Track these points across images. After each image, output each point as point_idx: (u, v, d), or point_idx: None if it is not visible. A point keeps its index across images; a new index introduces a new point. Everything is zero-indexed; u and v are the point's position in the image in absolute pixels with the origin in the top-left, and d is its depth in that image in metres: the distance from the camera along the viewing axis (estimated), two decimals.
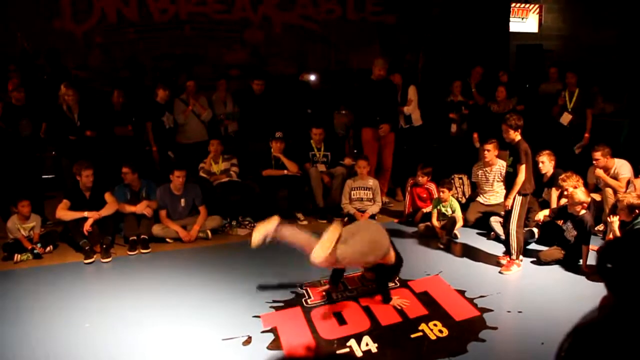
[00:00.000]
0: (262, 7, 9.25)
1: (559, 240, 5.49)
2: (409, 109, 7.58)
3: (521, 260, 5.33)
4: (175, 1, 8.74)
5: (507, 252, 5.36)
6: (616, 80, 10.60)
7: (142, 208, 6.16)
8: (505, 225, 5.33)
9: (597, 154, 6.17)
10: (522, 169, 5.04)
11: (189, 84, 7.55)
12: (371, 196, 6.67)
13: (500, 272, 5.23)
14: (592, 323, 0.97)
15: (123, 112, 7.17)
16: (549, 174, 6.22)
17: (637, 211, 4.96)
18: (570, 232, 5.33)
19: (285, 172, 7.01)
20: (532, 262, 5.46)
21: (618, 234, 5.03)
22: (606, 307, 1.04)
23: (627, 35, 11.63)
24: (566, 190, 5.61)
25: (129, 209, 6.14)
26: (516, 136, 5.09)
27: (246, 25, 9.20)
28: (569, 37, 11.59)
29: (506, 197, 5.27)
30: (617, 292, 1.03)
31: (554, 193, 6.05)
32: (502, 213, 5.60)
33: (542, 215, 5.73)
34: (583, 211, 5.21)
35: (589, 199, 5.29)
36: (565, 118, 7.42)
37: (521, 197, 5.13)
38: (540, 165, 6.19)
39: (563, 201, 5.80)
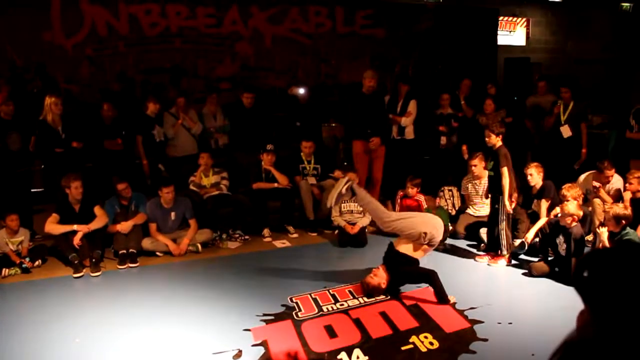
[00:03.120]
0: (252, 21, 9.29)
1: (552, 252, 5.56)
2: (407, 120, 7.62)
3: (509, 261, 5.67)
4: (166, 15, 8.76)
5: (495, 251, 5.72)
6: (603, 92, 10.76)
7: (127, 227, 6.12)
8: (492, 225, 5.69)
9: (611, 172, 6.37)
10: (505, 171, 5.44)
11: (179, 100, 7.54)
12: (361, 208, 6.69)
13: (488, 264, 5.68)
14: (582, 339, 0.98)
15: (113, 126, 7.15)
16: (537, 186, 6.27)
17: (623, 222, 5.04)
18: (562, 245, 5.38)
19: (276, 185, 7.02)
20: (522, 273, 5.48)
21: (607, 244, 5.08)
22: (587, 323, 1.04)
23: (611, 48, 11.83)
24: (567, 199, 5.63)
25: (113, 229, 6.11)
26: (497, 142, 5.50)
27: (236, 39, 9.24)
28: (556, 50, 11.74)
29: (494, 202, 5.60)
30: (594, 306, 1.04)
31: (544, 204, 6.09)
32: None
33: (531, 234, 5.74)
34: (574, 224, 5.25)
35: (581, 213, 5.34)
36: (566, 131, 7.47)
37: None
38: (529, 177, 6.23)
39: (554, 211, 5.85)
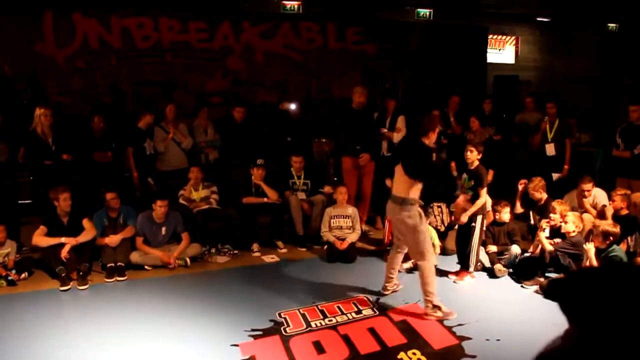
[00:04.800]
0: (244, 36, 9.36)
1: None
2: (398, 137, 7.66)
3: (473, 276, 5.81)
4: (158, 29, 8.81)
5: (465, 266, 5.79)
6: (591, 110, 10.91)
7: (116, 241, 6.09)
8: (464, 241, 5.76)
9: (589, 185, 6.45)
10: (484, 192, 5.57)
11: (169, 108, 7.51)
12: (350, 224, 6.70)
13: (454, 282, 5.73)
14: (555, 351, 1.00)
15: (103, 138, 7.14)
16: (542, 201, 6.36)
17: (611, 238, 5.10)
18: (565, 259, 5.46)
19: (266, 199, 7.02)
20: (511, 289, 5.52)
21: (594, 261, 5.13)
22: (568, 335, 1.06)
23: (598, 67, 12.02)
24: (565, 221, 5.71)
25: (102, 242, 6.08)
26: (476, 160, 5.60)
27: (228, 54, 9.29)
28: (544, 68, 11.90)
29: (470, 221, 5.65)
30: (574, 321, 1.06)
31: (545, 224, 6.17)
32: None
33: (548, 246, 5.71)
34: (573, 234, 5.48)
35: (581, 225, 5.61)
36: (550, 149, 7.55)
37: (481, 216, 5.66)
38: (532, 195, 6.39)
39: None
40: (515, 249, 5.98)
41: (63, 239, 5.79)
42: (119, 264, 5.92)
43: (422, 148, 4.84)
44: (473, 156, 5.61)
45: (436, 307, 4.80)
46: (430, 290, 4.81)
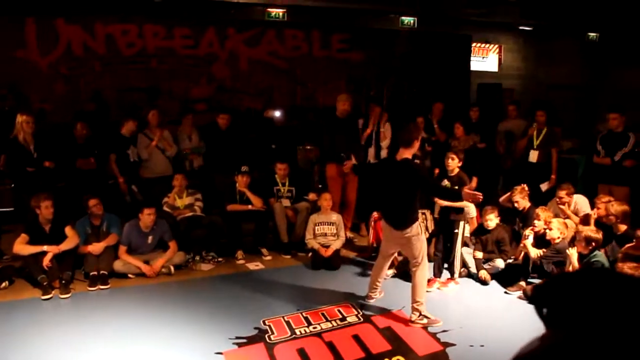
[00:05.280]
0: (228, 43, 9.36)
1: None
2: (384, 144, 7.69)
3: (457, 283, 5.85)
4: (143, 35, 8.78)
5: (450, 273, 5.84)
6: (573, 117, 11.05)
7: (99, 249, 6.04)
8: (449, 247, 5.80)
9: (563, 193, 6.48)
10: None
11: (151, 114, 7.46)
12: (335, 231, 6.71)
13: (438, 289, 5.71)
14: (531, 353, 1.01)
15: (86, 145, 7.10)
16: (525, 210, 6.40)
17: (593, 244, 5.17)
18: (549, 265, 5.51)
19: (250, 207, 7.01)
20: (495, 295, 5.56)
21: (576, 265, 5.18)
22: (545, 338, 1.08)
23: (580, 75, 12.20)
24: (549, 228, 5.75)
25: (84, 250, 6.02)
26: (457, 168, 5.63)
27: (213, 61, 9.28)
28: (527, 76, 12.05)
29: (454, 227, 5.72)
30: (550, 324, 1.07)
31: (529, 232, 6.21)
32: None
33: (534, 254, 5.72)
34: (558, 240, 5.54)
35: (566, 231, 5.67)
36: (533, 156, 7.61)
37: (463, 222, 5.77)
38: (516, 204, 6.39)
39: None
40: (499, 263, 6.00)
41: (45, 247, 5.72)
42: (101, 272, 5.87)
43: (417, 170, 4.85)
44: (454, 164, 5.67)
45: (423, 316, 4.82)
46: (420, 300, 4.84)
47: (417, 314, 4.82)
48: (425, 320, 4.81)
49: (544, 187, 7.49)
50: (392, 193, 4.85)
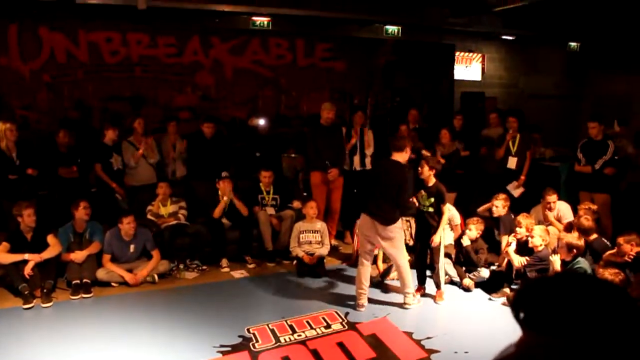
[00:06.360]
0: (213, 52, 9.34)
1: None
2: (368, 151, 7.71)
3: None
4: (127, 43, 8.74)
5: (436, 285, 5.76)
6: (555, 126, 11.18)
7: (81, 257, 5.98)
8: (432, 259, 5.78)
9: (553, 197, 6.57)
10: (446, 208, 5.62)
11: (137, 122, 7.43)
12: (320, 239, 6.71)
13: (435, 302, 5.65)
14: (506, 359, 1.02)
15: (68, 153, 7.04)
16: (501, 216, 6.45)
17: (574, 251, 5.22)
18: (532, 272, 5.56)
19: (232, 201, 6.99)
20: (478, 302, 5.59)
21: (559, 270, 5.24)
22: (522, 343, 1.09)
23: (561, 84, 12.40)
24: (531, 235, 5.78)
25: (67, 258, 5.95)
26: (431, 176, 5.52)
27: (197, 69, 9.27)
28: (510, 85, 12.19)
29: (432, 234, 5.60)
30: (527, 328, 1.09)
31: (504, 238, 6.23)
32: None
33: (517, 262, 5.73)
34: (540, 247, 5.59)
35: (548, 238, 5.71)
36: (512, 162, 7.68)
37: (444, 232, 5.76)
38: (494, 209, 6.41)
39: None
40: (484, 273, 6.04)
41: (26, 256, 5.64)
42: (84, 280, 5.82)
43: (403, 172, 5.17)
44: (425, 171, 5.49)
45: (411, 294, 5.40)
46: (409, 290, 5.39)
47: (410, 295, 5.39)
48: (415, 300, 5.46)
49: (515, 191, 7.49)
50: (381, 189, 5.13)
